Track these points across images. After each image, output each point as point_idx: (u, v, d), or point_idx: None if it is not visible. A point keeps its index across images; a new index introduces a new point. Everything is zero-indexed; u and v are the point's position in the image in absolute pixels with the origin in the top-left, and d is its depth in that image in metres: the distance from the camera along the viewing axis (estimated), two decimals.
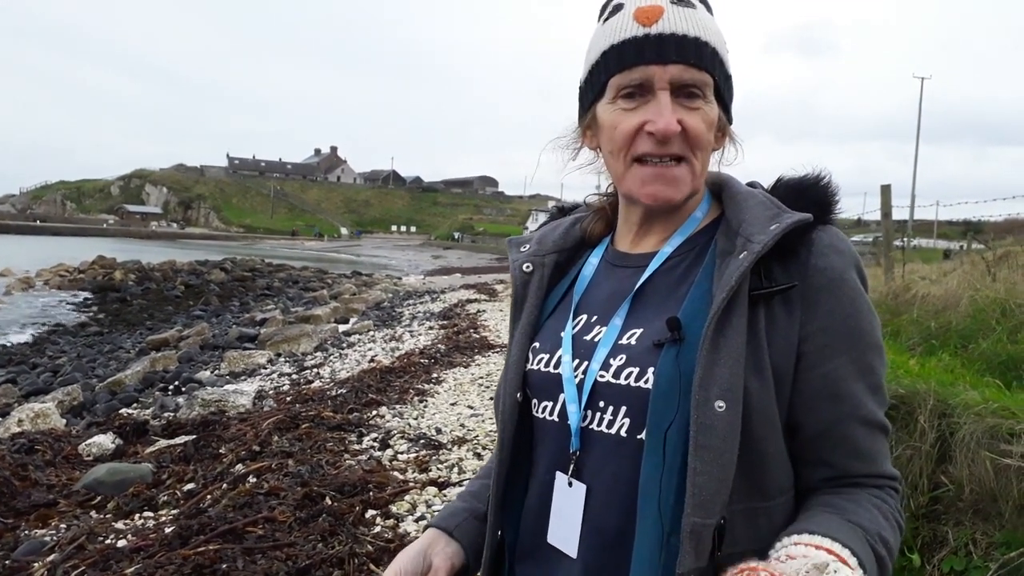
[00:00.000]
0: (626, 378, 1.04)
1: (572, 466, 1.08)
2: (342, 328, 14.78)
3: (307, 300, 23.09)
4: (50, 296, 24.73)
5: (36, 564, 3.58)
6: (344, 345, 12.19)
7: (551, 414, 1.13)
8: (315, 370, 9.76)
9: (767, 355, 1.00)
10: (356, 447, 5.48)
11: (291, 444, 5.32)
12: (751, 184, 1.18)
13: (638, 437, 1.02)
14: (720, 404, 0.95)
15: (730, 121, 1.15)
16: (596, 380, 1.07)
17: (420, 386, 7.77)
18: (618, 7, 1.11)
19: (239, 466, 4.86)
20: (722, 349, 0.97)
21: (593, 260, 1.24)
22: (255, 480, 4.54)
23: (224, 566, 3.37)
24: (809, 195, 1.09)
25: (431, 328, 13.36)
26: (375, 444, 5.56)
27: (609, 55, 1.09)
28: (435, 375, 8.43)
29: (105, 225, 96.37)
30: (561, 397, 1.11)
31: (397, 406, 6.88)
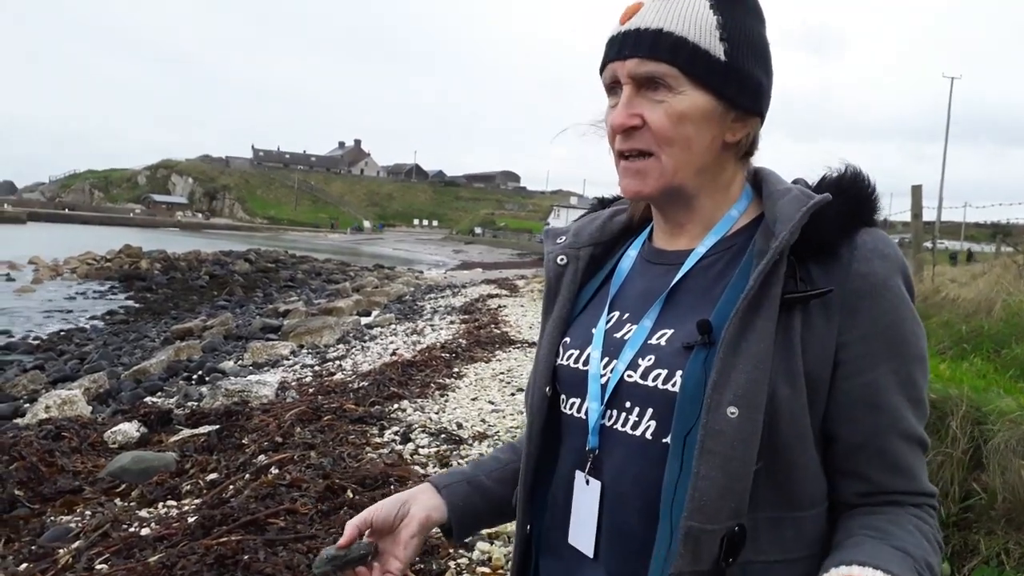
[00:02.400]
0: (654, 380, 1.02)
1: (589, 464, 1.07)
2: (364, 321, 14.84)
3: (330, 292, 23.23)
4: (77, 284, 25.07)
5: (61, 550, 3.61)
6: (366, 338, 12.23)
7: (579, 411, 1.12)
8: (337, 362, 9.80)
9: (800, 362, 0.97)
10: (378, 440, 5.48)
11: (313, 436, 5.34)
12: (796, 182, 1.12)
13: (663, 441, 1.00)
14: (732, 410, 0.92)
15: (742, 108, 1.07)
16: (623, 380, 1.05)
17: (441, 380, 7.77)
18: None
19: (261, 457, 4.88)
20: (742, 353, 0.94)
21: (631, 253, 1.21)
22: (277, 471, 4.55)
23: (246, 557, 3.38)
24: (850, 194, 1.04)
25: (452, 322, 13.37)
26: (396, 437, 5.57)
27: (604, 51, 1.11)
28: (456, 369, 8.42)
29: (132, 214, 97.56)
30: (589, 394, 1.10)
31: (418, 400, 6.88)
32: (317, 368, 9.46)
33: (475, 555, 3.64)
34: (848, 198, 1.03)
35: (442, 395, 7.16)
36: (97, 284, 25.21)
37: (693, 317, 1.02)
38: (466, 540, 3.37)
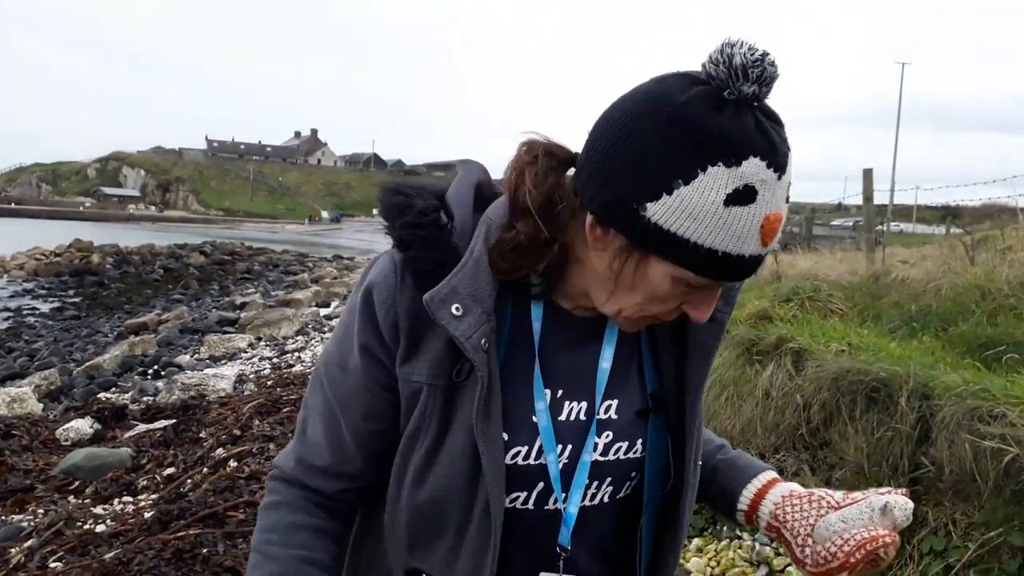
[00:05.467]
0: (615, 453, 1.03)
1: (562, 562, 1.02)
2: (323, 312, 14.72)
3: (288, 284, 22.96)
4: (25, 281, 24.39)
5: (13, 549, 3.53)
6: (325, 329, 12.13)
7: (524, 503, 1.01)
8: (296, 354, 9.70)
9: None
10: None
11: (272, 428, 5.29)
12: None
13: (618, 498, 1.05)
14: (700, 461, 1.09)
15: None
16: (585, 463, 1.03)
17: None
18: (750, 195, 0.84)
19: (219, 450, 4.83)
20: (696, 412, 1.07)
21: (536, 324, 1.02)
22: (236, 464, 4.51)
23: (204, 550, 3.35)
24: None
25: None
26: None
27: (717, 260, 0.86)
28: None
29: (82, 208, 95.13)
30: (539, 485, 1.01)
31: None
32: (276, 360, 9.36)
33: None
34: None
35: None
36: (46, 280, 24.54)
37: (629, 381, 1.06)
38: None
